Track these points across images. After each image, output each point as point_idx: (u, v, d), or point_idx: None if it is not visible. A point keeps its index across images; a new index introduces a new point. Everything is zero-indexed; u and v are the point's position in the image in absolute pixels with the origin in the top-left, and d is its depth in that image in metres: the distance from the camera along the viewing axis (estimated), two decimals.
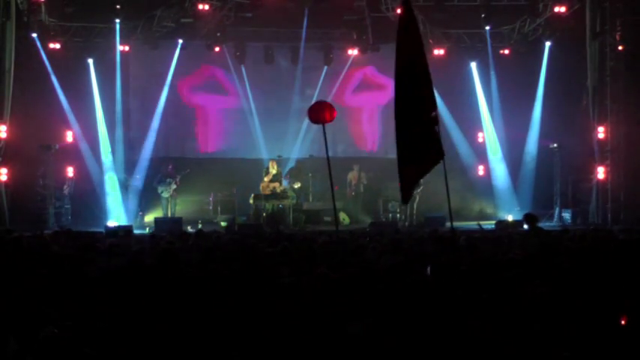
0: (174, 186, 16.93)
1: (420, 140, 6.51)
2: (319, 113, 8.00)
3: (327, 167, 7.98)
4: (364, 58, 19.02)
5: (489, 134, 18.89)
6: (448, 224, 15.02)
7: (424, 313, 4.56)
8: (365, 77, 19.56)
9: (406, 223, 16.50)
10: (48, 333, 4.02)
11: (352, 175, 18.00)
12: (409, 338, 4.18)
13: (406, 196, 6.58)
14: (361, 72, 19.49)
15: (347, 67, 19.14)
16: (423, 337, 4.19)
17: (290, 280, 5.47)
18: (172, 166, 17.18)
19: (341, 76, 19.21)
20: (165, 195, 16.93)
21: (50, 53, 17.13)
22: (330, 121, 8.01)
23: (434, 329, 4.28)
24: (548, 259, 6.38)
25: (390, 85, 19.45)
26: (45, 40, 16.97)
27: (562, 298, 4.78)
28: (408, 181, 6.61)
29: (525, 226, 11.43)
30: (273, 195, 16.32)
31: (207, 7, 16.64)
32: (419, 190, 16.54)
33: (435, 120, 6.63)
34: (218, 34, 17.81)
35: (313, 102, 8.33)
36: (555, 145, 17.60)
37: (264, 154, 18.60)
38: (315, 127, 8.13)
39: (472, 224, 13.64)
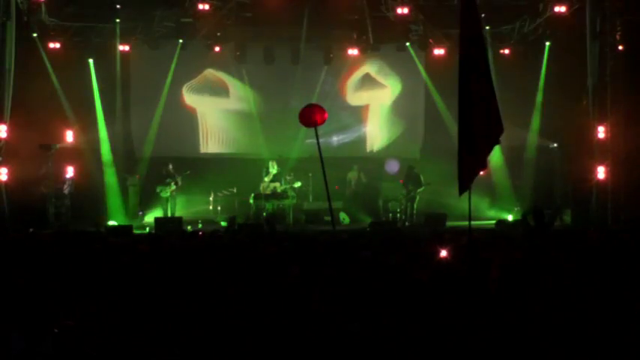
0: (173, 186, 16.90)
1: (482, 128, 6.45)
2: (310, 116, 8.04)
3: (327, 167, 8.02)
4: (364, 58, 19.02)
5: None
6: (448, 224, 15.25)
7: (424, 313, 4.56)
8: (365, 77, 19.55)
9: (406, 223, 16.50)
10: (48, 333, 4.02)
11: (352, 175, 18.14)
12: (409, 337, 4.18)
13: (464, 187, 6.38)
14: (361, 72, 19.48)
15: (347, 66, 19.15)
16: (423, 337, 4.19)
17: (292, 280, 5.47)
18: (172, 166, 17.16)
19: (341, 76, 19.23)
20: (163, 195, 16.90)
21: (50, 53, 17.14)
22: (322, 123, 8.04)
23: (434, 329, 4.28)
24: (549, 259, 6.38)
25: (388, 85, 19.56)
26: (45, 40, 16.98)
27: (563, 298, 4.78)
28: (469, 171, 6.48)
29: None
30: (273, 195, 16.32)
31: (207, 7, 16.62)
32: (420, 190, 16.59)
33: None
34: (218, 34, 17.81)
35: (304, 106, 8.33)
36: (555, 145, 17.57)
37: (264, 154, 18.59)
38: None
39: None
